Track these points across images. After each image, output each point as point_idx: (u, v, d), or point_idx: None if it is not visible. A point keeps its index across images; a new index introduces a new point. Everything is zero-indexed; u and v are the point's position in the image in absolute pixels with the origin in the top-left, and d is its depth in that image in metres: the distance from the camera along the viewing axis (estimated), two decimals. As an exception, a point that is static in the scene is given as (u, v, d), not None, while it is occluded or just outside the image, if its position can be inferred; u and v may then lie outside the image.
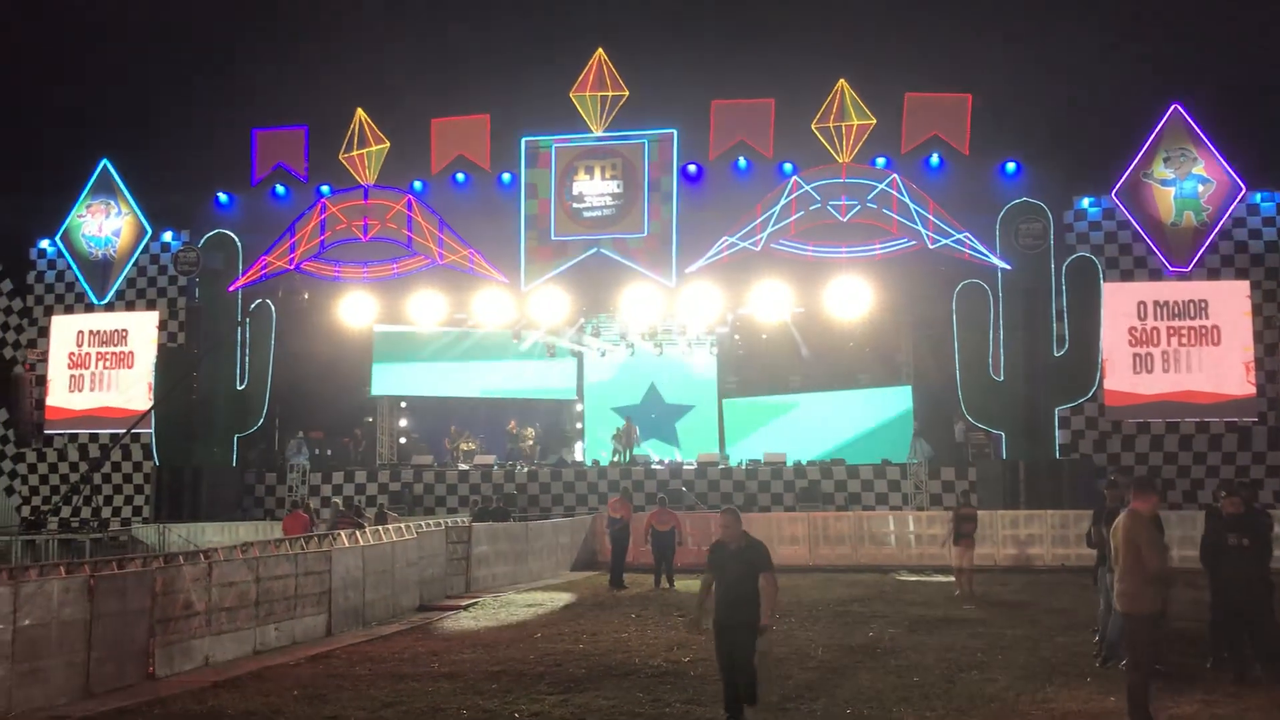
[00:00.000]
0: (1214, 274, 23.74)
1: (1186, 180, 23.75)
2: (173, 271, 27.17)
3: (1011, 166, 24.19)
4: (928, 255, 24.02)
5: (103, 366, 27.46)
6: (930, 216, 23.89)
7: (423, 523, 18.57)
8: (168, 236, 27.55)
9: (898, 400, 27.51)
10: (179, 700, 10.15)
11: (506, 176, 25.77)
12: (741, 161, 24.70)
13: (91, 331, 27.62)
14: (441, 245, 25.70)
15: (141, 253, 27.57)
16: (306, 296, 25.97)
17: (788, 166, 24.52)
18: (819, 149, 24.26)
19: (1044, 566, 20.57)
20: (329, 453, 28.89)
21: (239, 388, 26.19)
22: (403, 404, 30.86)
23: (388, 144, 25.95)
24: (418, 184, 26.03)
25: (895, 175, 24.14)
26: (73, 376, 27.59)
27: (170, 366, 26.22)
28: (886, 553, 21.75)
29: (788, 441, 26.60)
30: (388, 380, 29.51)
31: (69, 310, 27.93)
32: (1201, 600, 11.03)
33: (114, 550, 22.43)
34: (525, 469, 25.90)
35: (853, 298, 24.16)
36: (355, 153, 25.96)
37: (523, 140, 25.69)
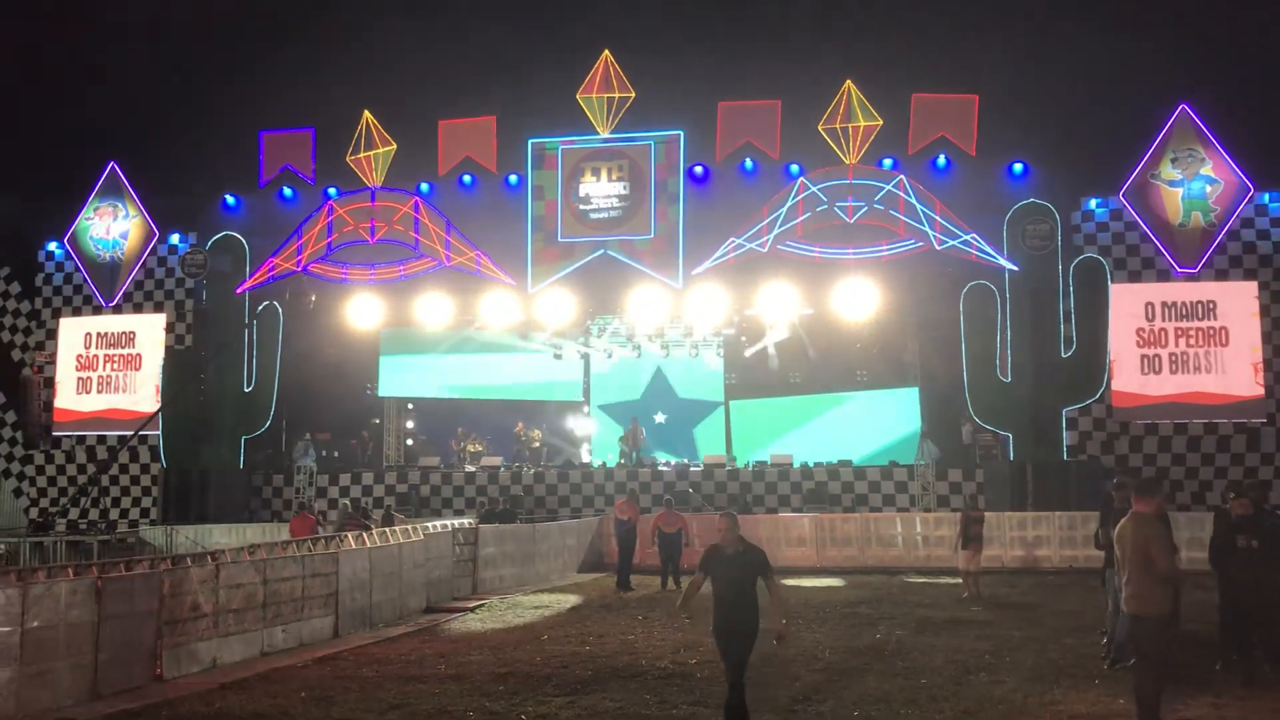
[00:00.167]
0: (1222, 275, 23.67)
1: (1194, 181, 23.68)
2: (180, 274, 27.24)
3: (1019, 167, 24.12)
4: (935, 256, 23.97)
5: (110, 369, 27.53)
6: (937, 218, 23.85)
7: (429, 524, 18.59)
8: (175, 239, 27.61)
9: (905, 401, 27.46)
10: (186, 702, 10.16)
11: (513, 178, 25.77)
12: (748, 163, 24.67)
13: (99, 333, 27.69)
14: (448, 247, 25.72)
15: (149, 255, 27.63)
16: (314, 298, 25.99)
17: (794, 168, 24.49)
18: (826, 150, 24.23)
19: (1051, 568, 20.50)
20: (336, 454, 28.92)
21: (246, 390, 26.23)
22: (409, 406, 30.89)
23: (394, 146, 25.98)
24: (425, 186, 26.05)
25: (902, 176, 24.10)
26: (80, 379, 27.66)
27: (178, 368, 26.27)
28: (894, 554, 21.70)
29: (794, 443, 26.58)
30: (395, 382, 29.56)
31: (77, 312, 28.00)
32: (1210, 602, 11.00)
33: (121, 552, 22.46)
34: (532, 470, 25.90)
35: (860, 299, 24.12)
36: (362, 155, 25.99)
37: (529, 142, 25.67)
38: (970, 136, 23.88)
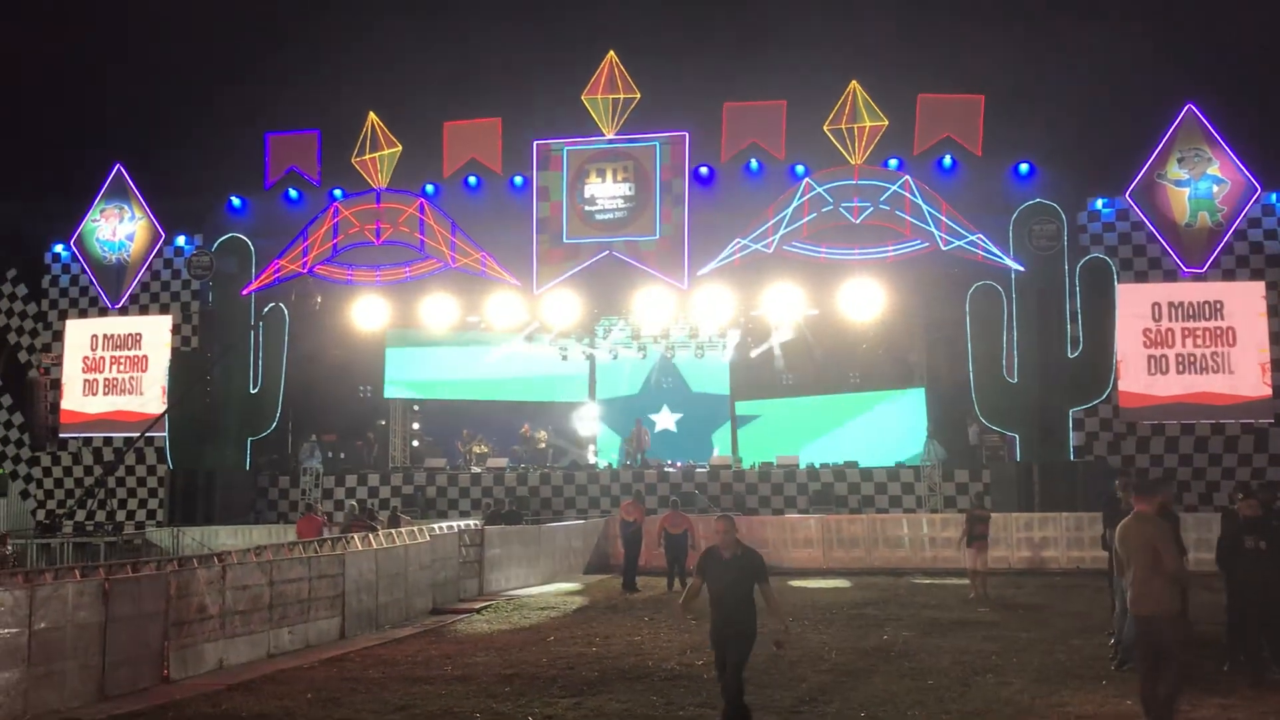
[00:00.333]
0: (1229, 275, 23.61)
1: (1201, 181, 23.62)
2: (186, 275, 27.27)
3: (1025, 168, 24.08)
4: (940, 257, 23.93)
5: (117, 370, 27.57)
6: (943, 218, 23.81)
7: (435, 526, 18.59)
8: (181, 240, 27.64)
9: (911, 402, 27.42)
10: (193, 703, 10.18)
11: (519, 179, 25.76)
12: (753, 163, 24.64)
13: (105, 335, 27.72)
14: (454, 248, 25.73)
15: (155, 257, 27.66)
16: (319, 300, 26.03)
17: (800, 168, 24.45)
18: (831, 151, 24.20)
19: (1058, 569, 20.48)
20: (342, 456, 28.97)
21: (252, 391, 26.25)
22: (415, 407, 30.90)
23: (400, 147, 25.98)
24: (430, 187, 26.05)
25: (908, 177, 24.06)
26: (87, 380, 27.71)
27: (184, 370, 26.32)
28: (900, 555, 21.68)
29: (800, 444, 26.55)
30: (400, 384, 29.59)
31: (83, 314, 28.04)
32: (1218, 603, 10.97)
33: (128, 553, 22.53)
34: (537, 472, 25.90)
35: (865, 300, 24.08)
36: (368, 156, 26.00)
37: (535, 143, 25.67)
38: (976, 137, 23.84)
